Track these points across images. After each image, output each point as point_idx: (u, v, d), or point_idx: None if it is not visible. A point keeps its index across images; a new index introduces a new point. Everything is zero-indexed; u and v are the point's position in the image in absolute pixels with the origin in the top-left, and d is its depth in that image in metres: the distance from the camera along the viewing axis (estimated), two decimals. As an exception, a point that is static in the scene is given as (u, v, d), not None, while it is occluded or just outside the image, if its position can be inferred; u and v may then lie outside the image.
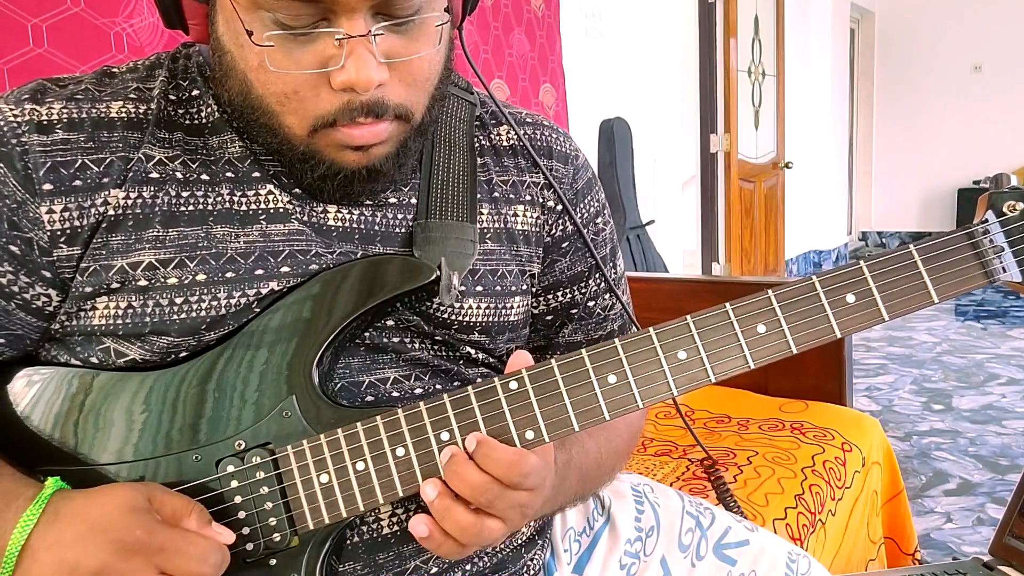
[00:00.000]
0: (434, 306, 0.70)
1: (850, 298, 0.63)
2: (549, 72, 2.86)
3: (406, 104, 0.63)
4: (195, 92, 0.68)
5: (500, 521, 0.60)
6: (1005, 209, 0.64)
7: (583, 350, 0.62)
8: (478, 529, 0.59)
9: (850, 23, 6.87)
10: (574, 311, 0.82)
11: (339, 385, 0.68)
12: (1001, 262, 0.64)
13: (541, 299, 0.81)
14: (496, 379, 0.62)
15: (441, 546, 0.60)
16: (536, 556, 0.82)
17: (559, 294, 0.81)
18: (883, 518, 1.64)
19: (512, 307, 0.75)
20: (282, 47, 0.59)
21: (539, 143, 0.79)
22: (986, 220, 0.64)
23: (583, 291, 0.82)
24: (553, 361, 0.62)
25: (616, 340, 0.62)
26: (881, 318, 0.63)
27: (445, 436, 0.61)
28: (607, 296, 0.84)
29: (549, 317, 0.82)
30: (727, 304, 0.62)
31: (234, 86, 0.64)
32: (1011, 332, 4.54)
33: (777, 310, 0.62)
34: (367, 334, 0.69)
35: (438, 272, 0.66)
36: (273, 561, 0.62)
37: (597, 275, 0.82)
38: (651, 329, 0.62)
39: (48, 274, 0.63)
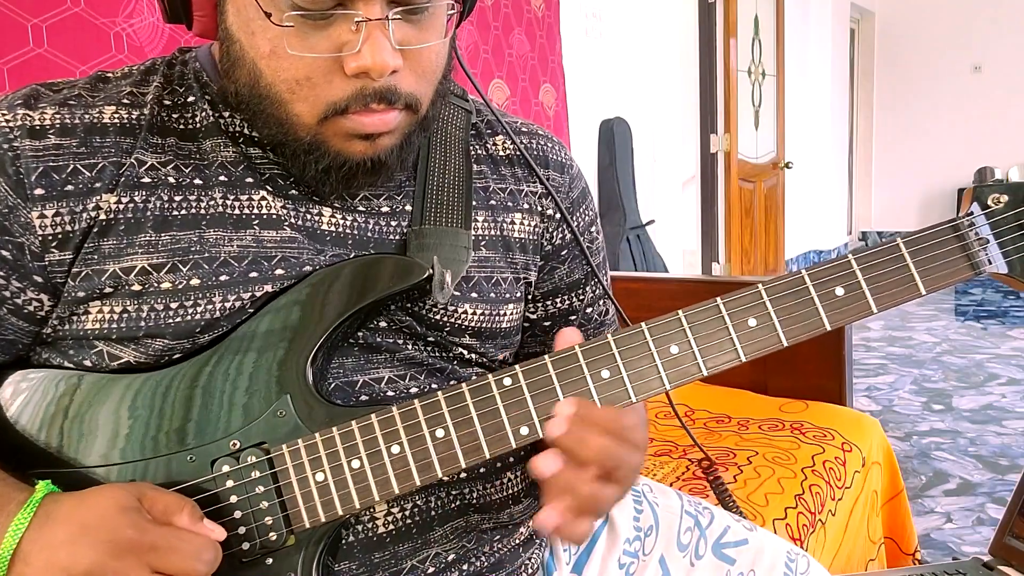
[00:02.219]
0: (426, 307, 0.70)
1: (839, 291, 0.63)
2: (549, 72, 2.86)
3: (415, 94, 0.63)
4: (191, 98, 0.68)
5: (617, 487, 0.61)
6: (990, 202, 0.65)
7: (576, 345, 0.62)
8: (599, 497, 0.60)
9: (850, 23, 6.87)
10: (572, 317, 0.83)
11: (333, 385, 0.67)
12: (987, 254, 0.65)
13: (540, 305, 0.81)
14: (490, 376, 0.62)
15: (571, 524, 0.59)
16: (534, 555, 0.82)
17: (557, 300, 0.82)
18: (883, 518, 1.63)
19: (506, 314, 0.75)
20: (298, 31, 0.59)
21: (535, 152, 0.80)
22: (971, 212, 0.66)
23: (581, 298, 0.83)
24: (546, 357, 0.62)
25: (609, 335, 0.62)
26: (870, 310, 0.64)
27: (440, 433, 0.61)
28: (602, 302, 0.85)
29: (547, 323, 0.82)
30: (718, 299, 0.63)
31: (241, 76, 0.63)
32: (1011, 332, 4.53)
33: (767, 304, 0.63)
34: (361, 334, 0.69)
35: (430, 271, 0.66)
36: (269, 560, 0.62)
37: (593, 282, 0.83)
38: (643, 324, 0.63)
39: (40, 279, 0.62)
